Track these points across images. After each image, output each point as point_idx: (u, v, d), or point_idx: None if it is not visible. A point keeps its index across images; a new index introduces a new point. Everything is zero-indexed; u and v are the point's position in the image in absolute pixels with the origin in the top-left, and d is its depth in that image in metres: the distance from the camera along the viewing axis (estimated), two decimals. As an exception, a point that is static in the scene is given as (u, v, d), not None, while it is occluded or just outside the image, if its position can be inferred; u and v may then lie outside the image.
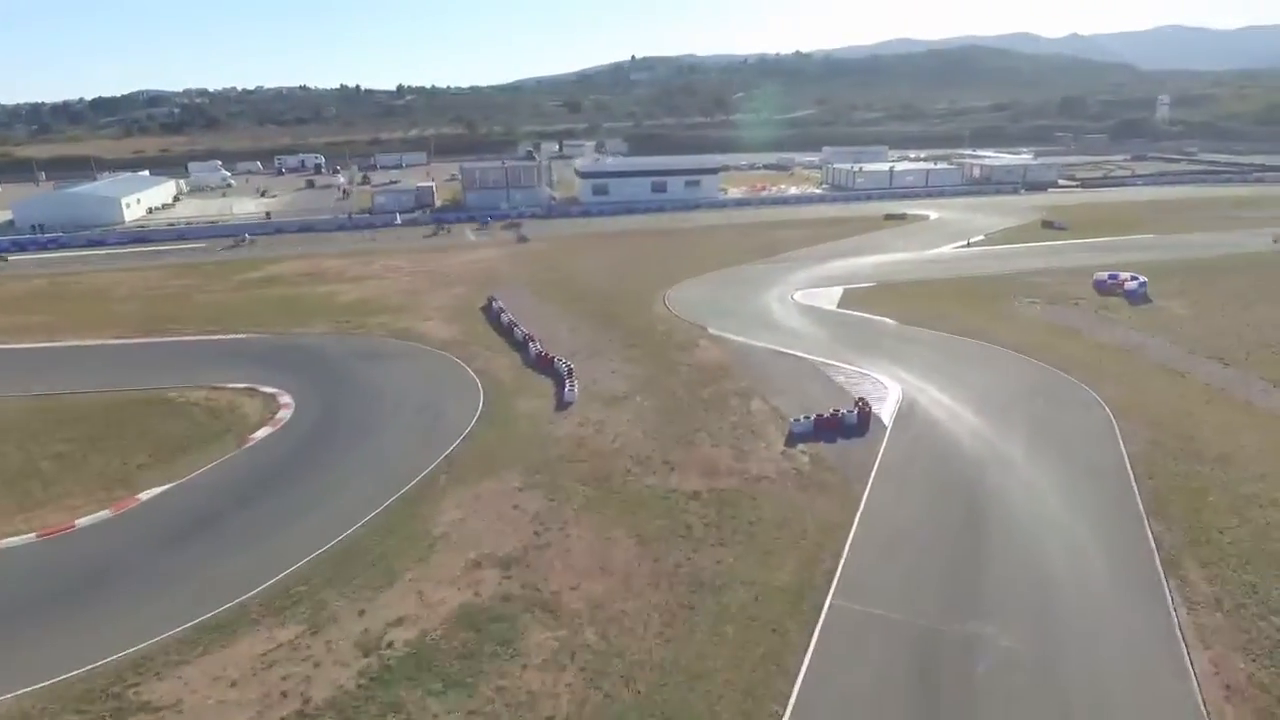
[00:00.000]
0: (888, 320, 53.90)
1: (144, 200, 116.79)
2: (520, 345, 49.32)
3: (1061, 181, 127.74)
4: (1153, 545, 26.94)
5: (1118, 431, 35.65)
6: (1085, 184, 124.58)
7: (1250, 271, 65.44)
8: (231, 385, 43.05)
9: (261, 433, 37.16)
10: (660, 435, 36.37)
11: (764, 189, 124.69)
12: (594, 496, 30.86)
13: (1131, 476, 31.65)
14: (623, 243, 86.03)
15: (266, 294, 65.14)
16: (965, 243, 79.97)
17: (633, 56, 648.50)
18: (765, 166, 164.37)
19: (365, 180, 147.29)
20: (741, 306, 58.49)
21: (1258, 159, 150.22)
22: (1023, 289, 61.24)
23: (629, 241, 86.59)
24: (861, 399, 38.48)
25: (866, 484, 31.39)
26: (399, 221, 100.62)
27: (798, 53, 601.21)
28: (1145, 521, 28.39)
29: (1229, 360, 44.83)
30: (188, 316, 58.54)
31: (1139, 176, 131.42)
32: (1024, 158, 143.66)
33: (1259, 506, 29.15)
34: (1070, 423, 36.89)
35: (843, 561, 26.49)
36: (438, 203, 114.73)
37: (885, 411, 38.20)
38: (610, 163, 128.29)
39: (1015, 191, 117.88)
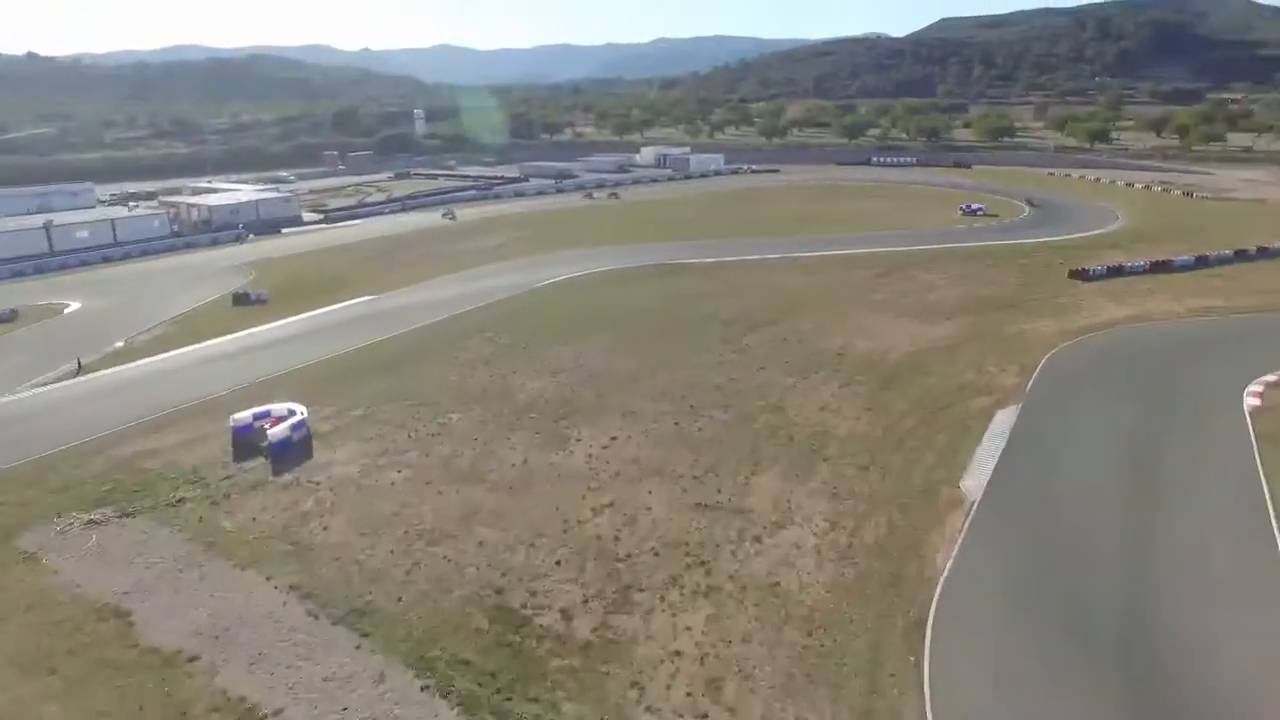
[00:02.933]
0: None
1: None
2: None
3: (308, 216, 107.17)
4: None
5: None
6: (330, 218, 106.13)
7: (416, 364, 50.76)
8: None
9: None
10: None
11: None
12: None
13: None
14: None
15: None
16: (75, 366, 48.48)
17: None
18: None
19: None
20: None
21: (502, 170, 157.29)
22: (113, 482, 33.60)
23: None
24: None
25: None
26: None
27: (31, 54, 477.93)
28: None
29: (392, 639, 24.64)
30: None
31: (395, 200, 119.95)
32: (261, 191, 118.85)
33: None
34: None
35: None
36: None
37: None
38: None
39: (239, 240, 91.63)
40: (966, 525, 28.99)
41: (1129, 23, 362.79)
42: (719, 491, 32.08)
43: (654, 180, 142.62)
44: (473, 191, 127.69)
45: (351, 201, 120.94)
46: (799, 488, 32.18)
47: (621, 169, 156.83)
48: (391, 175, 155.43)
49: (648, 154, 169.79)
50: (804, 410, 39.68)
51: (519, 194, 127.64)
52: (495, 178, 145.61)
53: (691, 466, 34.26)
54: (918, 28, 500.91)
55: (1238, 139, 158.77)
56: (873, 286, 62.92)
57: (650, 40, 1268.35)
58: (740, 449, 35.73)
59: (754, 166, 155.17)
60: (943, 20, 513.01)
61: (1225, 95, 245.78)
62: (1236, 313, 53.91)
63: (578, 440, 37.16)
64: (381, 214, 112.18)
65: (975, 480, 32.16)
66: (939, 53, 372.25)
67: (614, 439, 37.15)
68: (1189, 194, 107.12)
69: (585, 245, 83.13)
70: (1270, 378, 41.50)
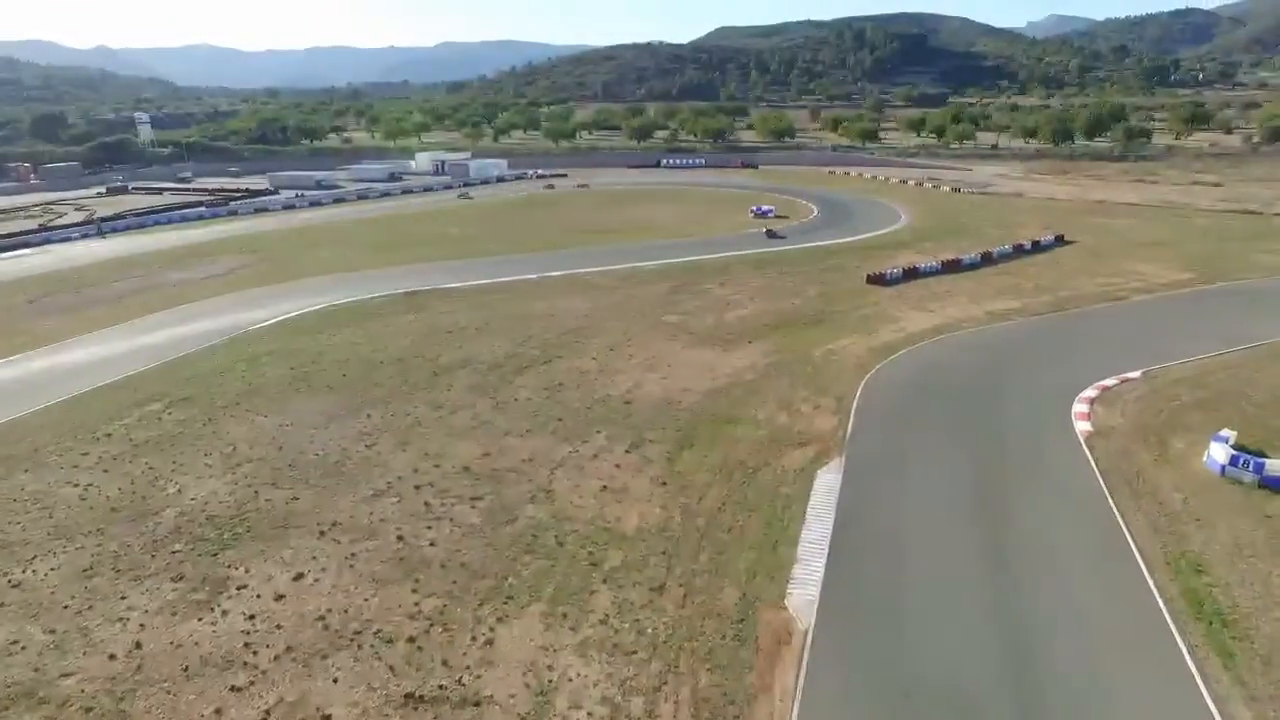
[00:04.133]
0: None
1: None
2: None
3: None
4: None
5: None
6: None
7: (17, 471, 35.32)
8: None
9: None
10: None
11: None
12: None
13: None
14: None
15: None
16: None
17: None
18: None
19: None
20: None
21: (248, 182, 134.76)
22: None
23: None
24: None
25: None
26: None
27: None
28: None
29: None
30: None
31: (91, 223, 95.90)
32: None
33: None
34: None
35: None
36: None
37: None
38: None
39: None
40: (801, 679, 20.10)
41: (879, 35, 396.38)
42: (445, 664, 20.97)
43: (428, 189, 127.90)
44: (201, 209, 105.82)
45: (31, 225, 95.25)
46: (566, 639, 21.85)
47: (393, 177, 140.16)
48: (104, 190, 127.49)
49: (423, 160, 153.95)
50: (580, 494, 29.55)
51: (262, 210, 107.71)
52: (236, 191, 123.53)
53: (411, 618, 22.88)
54: (698, 35, 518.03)
55: (984, 137, 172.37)
56: (665, 306, 54.62)
57: (436, 44, 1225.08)
58: (487, 574, 24.84)
59: (541, 171, 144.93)
60: (720, 29, 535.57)
61: (964, 99, 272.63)
62: (1034, 314, 51.26)
63: (240, 587, 24.44)
64: (70, 239, 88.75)
65: (804, 592, 23.57)
66: (718, 58, 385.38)
67: (298, 578, 24.84)
68: (957, 189, 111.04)
69: (328, 271, 68.22)
70: (1089, 393, 37.46)
